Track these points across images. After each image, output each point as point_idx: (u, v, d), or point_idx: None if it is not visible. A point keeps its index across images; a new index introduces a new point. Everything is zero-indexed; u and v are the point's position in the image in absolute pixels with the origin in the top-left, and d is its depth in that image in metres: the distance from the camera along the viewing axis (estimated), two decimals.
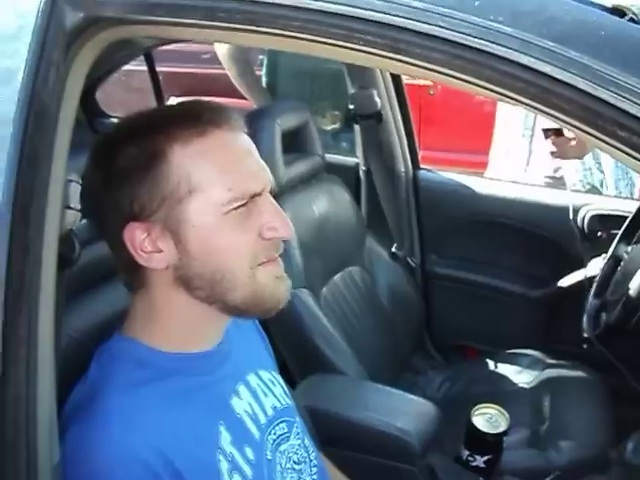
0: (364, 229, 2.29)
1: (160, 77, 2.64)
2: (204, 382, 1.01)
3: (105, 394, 0.93)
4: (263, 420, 1.07)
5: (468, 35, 0.63)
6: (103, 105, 2.61)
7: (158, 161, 0.92)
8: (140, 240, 0.93)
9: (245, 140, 0.98)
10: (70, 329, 1.07)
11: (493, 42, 0.62)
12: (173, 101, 3.75)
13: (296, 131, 2.09)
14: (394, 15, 0.65)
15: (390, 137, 2.38)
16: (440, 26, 0.64)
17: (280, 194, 1.89)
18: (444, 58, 0.64)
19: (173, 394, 0.96)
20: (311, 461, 1.15)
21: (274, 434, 1.08)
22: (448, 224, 2.45)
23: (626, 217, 1.97)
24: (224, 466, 0.96)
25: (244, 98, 3.92)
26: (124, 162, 0.92)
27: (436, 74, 0.67)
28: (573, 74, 0.60)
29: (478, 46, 0.63)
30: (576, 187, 2.53)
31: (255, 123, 1.90)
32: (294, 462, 1.11)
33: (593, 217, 2.23)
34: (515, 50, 0.61)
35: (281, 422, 1.11)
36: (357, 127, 2.43)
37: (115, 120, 2.47)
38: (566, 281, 2.24)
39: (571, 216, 2.23)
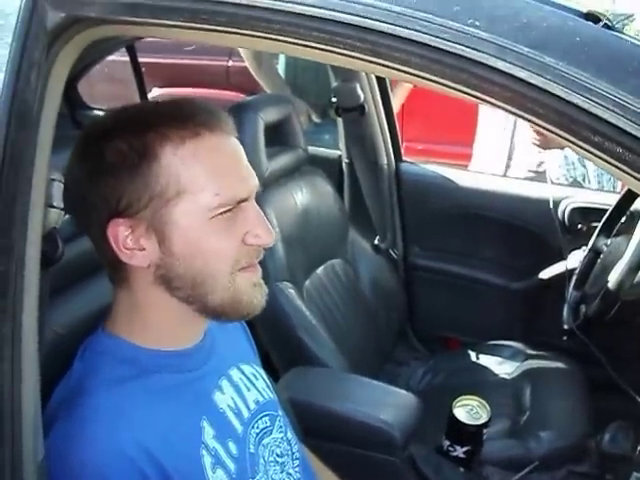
0: (347, 222, 2.29)
1: (143, 68, 2.63)
2: (187, 378, 1.02)
3: (89, 390, 0.93)
4: (246, 414, 1.08)
5: (446, 40, 0.64)
6: (85, 96, 2.59)
7: (149, 160, 0.92)
8: (123, 237, 0.93)
9: (236, 145, 0.98)
10: (54, 325, 1.08)
11: (470, 47, 0.63)
12: (156, 92, 3.74)
13: (279, 124, 2.09)
14: (375, 19, 0.66)
15: (373, 130, 2.39)
16: (419, 31, 0.65)
17: (263, 187, 1.89)
18: (423, 63, 0.65)
19: (156, 390, 0.97)
20: (293, 454, 1.16)
21: (257, 428, 1.09)
22: (430, 216, 2.46)
23: (606, 210, 1.98)
24: (207, 461, 0.97)
25: (228, 89, 3.93)
26: (112, 158, 0.92)
27: (415, 77, 0.68)
28: (548, 79, 0.61)
29: (456, 51, 0.63)
30: (559, 181, 2.55)
31: (238, 116, 1.90)
32: (277, 455, 1.12)
33: (574, 210, 2.25)
34: (491, 55, 0.62)
35: (264, 416, 1.12)
36: (340, 120, 2.44)
37: (98, 112, 2.46)
38: (547, 273, 2.26)
39: (552, 209, 2.25)
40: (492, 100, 0.65)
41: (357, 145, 2.44)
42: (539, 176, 2.60)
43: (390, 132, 2.43)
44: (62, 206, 0.88)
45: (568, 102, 0.61)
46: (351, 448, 1.63)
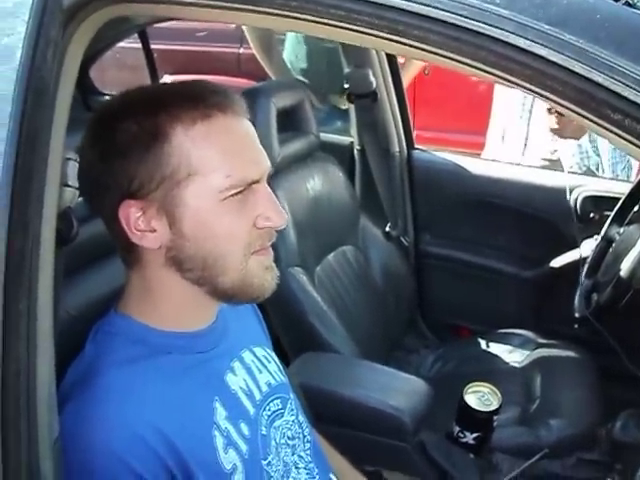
0: (358, 208, 2.29)
1: (154, 55, 2.63)
2: (199, 359, 1.02)
3: (102, 370, 0.94)
4: (258, 396, 1.08)
5: (465, 17, 0.63)
6: (97, 82, 2.60)
7: (160, 141, 0.91)
8: (135, 218, 0.93)
9: (247, 126, 0.98)
10: (67, 307, 1.08)
11: (489, 24, 0.63)
12: (167, 79, 3.74)
13: (291, 110, 2.09)
14: None
15: (385, 117, 2.38)
16: (437, 8, 0.64)
17: (275, 173, 1.89)
18: (441, 40, 0.65)
19: (168, 371, 0.97)
20: (305, 437, 1.17)
21: (269, 410, 1.09)
22: (441, 204, 2.46)
23: (619, 199, 1.98)
24: (219, 441, 0.97)
25: (239, 76, 3.93)
26: (123, 138, 0.92)
27: (433, 55, 0.67)
28: (568, 57, 0.61)
29: (475, 28, 0.63)
30: (572, 170, 2.54)
31: (251, 102, 1.88)
32: (288, 438, 1.12)
33: (586, 198, 2.24)
34: (511, 32, 0.62)
35: (275, 398, 1.12)
36: (352, 106, 2.43)
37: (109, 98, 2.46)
38: (558, 262, 2.26)
39: (564, 197, 2.24)
40: (511, 78, 0.64)
41: (369, 132, 2.43)
42: (553, 164, 2.59)
43: (402, 119, 2.43)
44: (77, 185, 0.88)
45: (588, 79, 0.60)
46: (362, 433, 1.64)
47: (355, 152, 2.51)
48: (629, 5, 0.65)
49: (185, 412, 0.95)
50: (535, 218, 2.32)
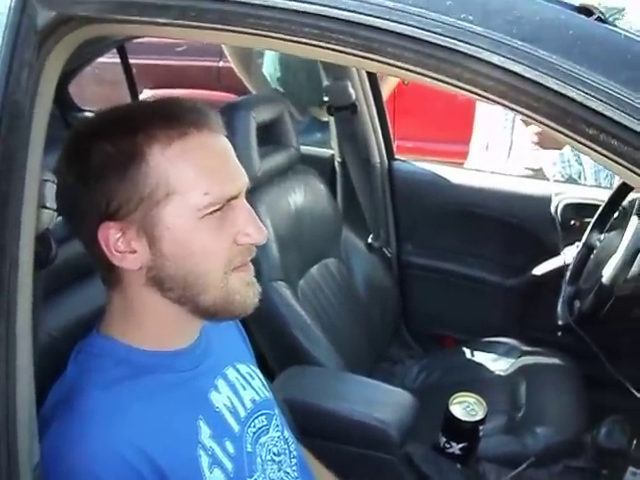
0: (340, 220, 2.29)
1: (134, 70, 2.62)
2: (182, 378, 1.01)
3: (84, 392, 0.93)
4: (242, 413, 1.07)
5: (439, 34, 0.64)
6: (76, 99, 2.59)
7: (137, 161, 0.91)
8: (114, 240, 0.93)
9: (224, 142, 0.97)
10: (48, 328, 1.07)
11: (463, 41, 0.63)
12: (147, 94, 3.73)
13: (271, 123, 2.09)
14: (367, 15, 0.66)
15: (365, 128, 2.39)
16: (412, 25, 0.64)
17: (256, 187, 1.90)
18: (416, 57, 0.65)
19: (151, 391, 0.96)
20: (291, 452, 1.16)
21: (254, 427, 1.09)
22: (423, 214, 2.46)
23: (599, 206, 1.99)
24: (205, 461, 0.97)
25: (219, 90, 3.92)
26: (99, 160, 0.91)
27: (409, 73, 0.68)
28: (542, 73, 0.61)
29: (449, 45, 0.63)
30: (555, 179, 2.55)
31: (231, 116, 1.90)
32: (274, 454, 1.11)
33: (566, 206, 2.25)
34: (485, 49, 0.62)
35: (260, 415, 1.11)
36: (332, 118, 2.44)
37: (89, 114, 2.45)
38: (541, 269, 2.27)
39: (545, 205, 2.25)
40: (486, 94, 0.65)
41: (349, 144, 2.44)
42: (536, 174, 2.60)
43: (382, 130, 2.43)
44: (55, 207, 0.87)
45: (562, 95, 0.61)
46: (348, 447, 1.64)
47: (336, 164, 2.52)
48: (601, 20, 0.65)
49: (169, 432, 0.95)
50: (517, 226, 2.33)
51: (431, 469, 1.63)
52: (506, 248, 2.38)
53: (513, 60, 0.62)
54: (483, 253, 2.41)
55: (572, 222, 2.25)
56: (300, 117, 2.93)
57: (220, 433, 1.01)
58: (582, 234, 2.02)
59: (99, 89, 3.32)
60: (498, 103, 0.65)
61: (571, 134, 0.63)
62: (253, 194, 1.81)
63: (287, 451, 1.16)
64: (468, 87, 0.65)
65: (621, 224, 1.86)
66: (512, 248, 2.37)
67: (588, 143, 0.62)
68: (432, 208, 2.44)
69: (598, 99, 0.60)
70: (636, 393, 1.69)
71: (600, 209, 1.98)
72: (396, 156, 2.50)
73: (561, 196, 2.27)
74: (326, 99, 2.35)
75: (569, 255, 2.11)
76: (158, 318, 1.00)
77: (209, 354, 1.08)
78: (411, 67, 0.66)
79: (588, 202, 2.19)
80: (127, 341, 0.99)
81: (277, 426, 1.15)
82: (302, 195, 2.14)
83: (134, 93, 2.65)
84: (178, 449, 0.95)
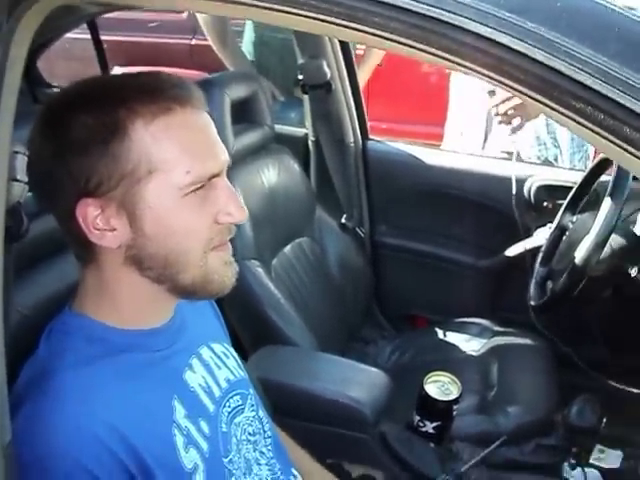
0: (314, 200, 2.29)
1: (105, 46, 2.57)
2: (156, 357, 1.01)
3: (57, 371, 0.91)
4: (217, 393, 1.07)
5: (426, 5, 0.63)
6: (45, 74, 2.54)
7: (119, 136, 0.88)
8: (93, 217, 0.90)
9: (206, 119, 0.96)
10: (19, 305, 1.05)
11: (451, 12, 0.62)
12: (118, 71, 3.67)
13: (245, 101, 2.07)
14: None
15: (339, 107, 2.37)
16: None
17: (229, 165, 1.87)
18: (402, 27, 0.64)
19: (125, 370, 0.95)
20: (265, 432, 1.16)
21: (229, 407, 1.08)
22: (397, 195, 2.46)
23: (571, 188, 2.00)
24: (180, 440, 0.96)
25: (192, 67, 3.88)
26: (79, 134, 0.88)
27: (393, 43, 0.66)
28: (529, 45, 0.60)
29: (436, 15, 0.62)
30: (531, 161, 2.55)
31: (204, 93, 1.87)
32: (249, 434, 1.11)
33: (539, 188, 2.27)
34: (473, 20, 0.62)
35: (235, 394, 1.11)
36: (306, 97, 2.42)
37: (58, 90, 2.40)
38: (513, 250, 2.28)
39: (517, 187, 2.26)
40: (473, 66, 0.64)
41: (323, 123, 2.42)
42: (511, 157, 2.59)
43: (357, 110, 2.42)
44: (26, 180, 0.85)
45: (550, 68, 0.60)
46: (322, 426, 1.64)
47: (310, 143, 2.50)
48: None
49: (144, 411, 0.94)
50: (490, 207, 2.34)
51: (404, 448, 1.65)
52: (479, 229, 2.39)
53: (500, 31, 0.61)
54: (456, 234, 2.42)
55: (545, 204, 2.27)
56: (281, 97, 2.91)
57: (195, 413, 1.00)
58: (554, 216, 2.03)
59: (68, 65, 3.26)
60: (486, 75, 0.64)
61: (558, 107, 0.62)
62: (227, 173, 1.79)
63: (262, 431, 1.16)
64: (454, 59, 0.64)
65: (593, 206, 1.87)
66: (485, 229, 2.38)
67: (575, 117, 0.61)
68: (406, 188, 2.44)
69: (586, 72, 0.59)
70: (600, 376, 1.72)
71: (573, 191, 2.00)
72: (370, 136, 2.49)
73: (534, 178, 2.28)
74: (300, 77, 2.33)
75: (541, 236, 2.13)
76: (134, 297, 0.98)
77: (183, 333, 1.07)
78: (396, 37, 0.65)
79: (561, 184, 2.20)
80: (101, 319, 0.97)
81: (252, 406, 1.15)
82: (276, 174, 2.13)
83: (105, 70, 2.61)
84: (153, 429, 0.94)
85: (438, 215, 2.42)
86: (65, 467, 0.86)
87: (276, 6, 0.69)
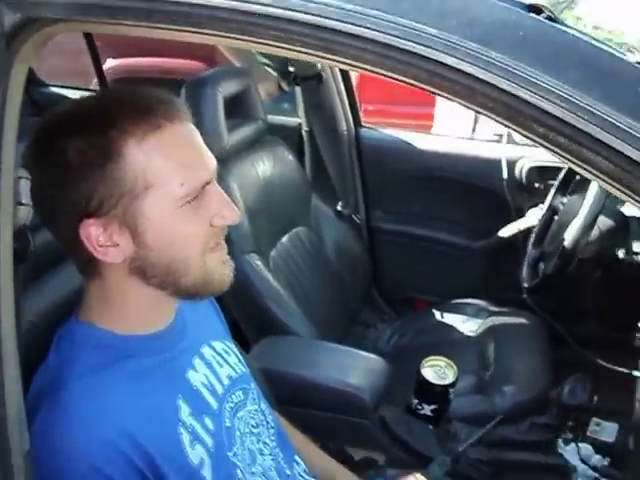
0: (309, 189, 2.32)
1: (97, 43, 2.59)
2: (160, 360, 1.04)
3: (67, 380, 0.95)
4: (220, 390, 1.11)
5: (396, 37, 0.66)
6: (38, 71, 2.56)
7: (114, 159, 0.91)
8: (96, 236, 0.94)
9: (193, 131, 0.99)
10: (28, 314, 1.07)
11: (419, 43, 0.66)
12: (110, 63, 3.67)
13: (238, 96, 2.09)
14: (328, 18, 0.68)
15: (331, 97, 2.40)
16: (370, 28, 0.67)
17: (225, 160, 1.91)
18: (375, 59, 0.68)
19: (133, 374, 0.99)
20: (268, 423, 1.20)
21: (231, 402, 1.12)
22: (391, 180, 2.49)
23: (562, 168, 2.03)
24: (186, 438, 1.00)
25: (185, 58, 3.87)
26: (74, 159, 0.91)
27: (370, 71, 0.70)
28: (495, 74, 0.64)
29: (406, 47, 0.66)
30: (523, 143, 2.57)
31: (197, 91, 1.91)
32: (252, 426, 1.15)
33: (531, 169, 2.30)
34: (440, 51, 0.65)
35: (237, 390, 1.15)
36: (298, 88, 2.44)
37: (54, 89, 2.43)
38: (506, 232, 2.31)
39: (509, 168, 2.29)
40: (443, 93, 0.67)
41: (316, 113, 2.45)
42: (502, 139, 2.62)
43: (348, 98, 2.45)
44: (31, 203, 0.87)
45: (514, 96, 0.64)
46: (323, 413, 1.68)
47: (303, 133, 2.53)
48: (551, 20, 0.68)
49: (151, 413, 0.97)
50: (482, 190, 2.37)
51: (404, 431, 1.70)
52: (472, 211, 2.42)
53: (467, 62, 0.64)
54: (451, 217, 2.46)
55: (536, 185, 2.30)
56: (287, 88, 2.92)
57: (199, 410, 1.04)
58: (545, 197, 2.06)
59: (61, 60, 3.26)
60: (454, 101, 0.68)
61: (523, 132, 0.66)
62: (222, 167, 1.80)
63: (264, 422, 1.19)
64: (425, 86, 0.68)
65: (583, 187, 1.90)
66: (479, 211, 2.41)
67: (540, 141, 0.65)
68: (400, 174, 2.47)
69: (548, 100, 0.63)
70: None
71: (563, 172, 2.02)
72: (363, 123, 2.52)
73: (525, 159, 2.31)
74: (291, 69, 2.35)
75: (533, 217, 2.16)
76: (139, 304, 1.02)
77: (185, 334, 1.10)
78: (370, 67, 0.69)
79: (552, 165, 2.22)
80: (106, 326, 1.01)
81: (254, 399, 1.19)
82: (271, 166, 2.16)
83: (97, 63, 2.62)
84: (161, 429, 0.98)
85: (432, 199, 2.45)
86: (81, 471, 0.90)
87: (261, 40, 0.72)
